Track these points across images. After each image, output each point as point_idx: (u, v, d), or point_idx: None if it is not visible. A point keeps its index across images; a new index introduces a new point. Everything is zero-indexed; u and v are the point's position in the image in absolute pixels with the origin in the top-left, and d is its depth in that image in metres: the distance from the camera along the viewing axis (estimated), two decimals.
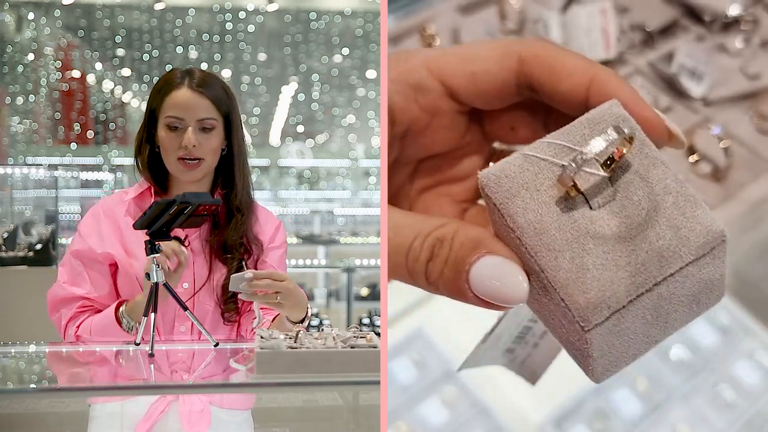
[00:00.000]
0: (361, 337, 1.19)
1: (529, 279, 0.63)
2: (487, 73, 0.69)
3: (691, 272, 0.62)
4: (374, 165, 8.85)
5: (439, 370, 1.77)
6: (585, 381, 0.70)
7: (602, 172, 0.63)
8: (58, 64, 9.32)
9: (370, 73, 9.91)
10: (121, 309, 1.47)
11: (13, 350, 1.43)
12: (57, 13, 9.09)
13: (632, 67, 1.72)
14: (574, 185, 0.63)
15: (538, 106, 0.72)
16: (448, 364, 1.77)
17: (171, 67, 9.62)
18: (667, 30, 1.78)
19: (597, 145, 0.62)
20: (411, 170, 0.77)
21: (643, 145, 0.65)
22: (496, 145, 0.74)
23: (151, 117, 1.52)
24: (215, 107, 1.51)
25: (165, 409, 1.47)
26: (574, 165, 0.62)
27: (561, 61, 0.67)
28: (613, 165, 0.63)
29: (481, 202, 0.76)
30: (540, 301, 0.65)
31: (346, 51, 9.80)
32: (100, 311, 1.52)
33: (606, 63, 1.71)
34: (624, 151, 0.63)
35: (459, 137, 0.74)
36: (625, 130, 0.63)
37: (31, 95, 9.11)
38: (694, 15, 1.80)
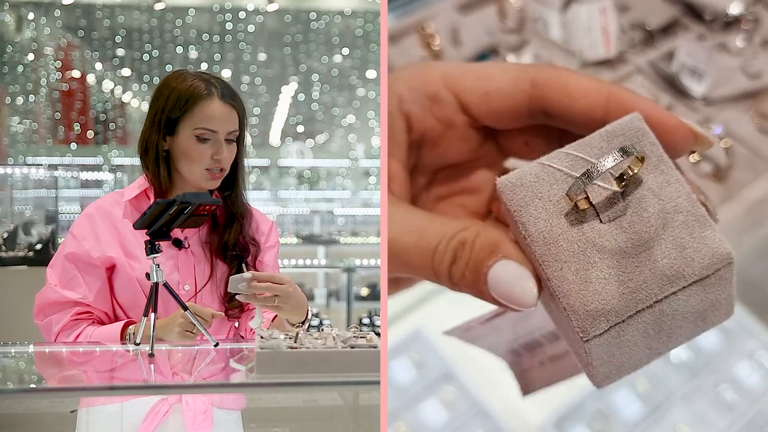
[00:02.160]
0: (361, 337, 1.19)
1: (540, 285, 0.65)
2: (500, 93, 0.71)
3: (694, 291, 0.63)
4: (374, 165, 8.85)
5: (439, 370, 1.77)
6: (585, 382, 0.70)
7: (614, 187, 0.65)
8: (58, 64, 9.31)
9: (370, 73, 9.91)
10: (129, 329, 1.45)
11: (13, 350, 1.41)
12: (57, 13, 9.09)
13: (632, 66, 1.72)
14: (586, 197, 0.64)
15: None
16: (448, 364, 1.77)
17: (171, 67, 9.58)
18: (668, 29, 1.77)
19: (608, 162, 0.63)
20: (428, 179, 0.79)
21: (660, 161, 0.66)
22: (509, 164, 0.76)
23: (169, 124, 1.49)
24: (239, 119, 1.52)
25: (167, 410, 1.46)
26: (584, 180, 0.63)
27: (575, 82, 0.69)
28: (626, 181, 0.64)
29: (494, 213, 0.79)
30: (550, 306, 0.68)
31: (346, 51, 9.80)
32: (96, 319, 1.50)
33: (606, 62, 1.71)
34: (635, 170, 0.64)
35: (473, 149, 0.77)
36: (636, 149, 0.64)
37: (31, 95, 9.11)
38: (695, 14, 1.80)
